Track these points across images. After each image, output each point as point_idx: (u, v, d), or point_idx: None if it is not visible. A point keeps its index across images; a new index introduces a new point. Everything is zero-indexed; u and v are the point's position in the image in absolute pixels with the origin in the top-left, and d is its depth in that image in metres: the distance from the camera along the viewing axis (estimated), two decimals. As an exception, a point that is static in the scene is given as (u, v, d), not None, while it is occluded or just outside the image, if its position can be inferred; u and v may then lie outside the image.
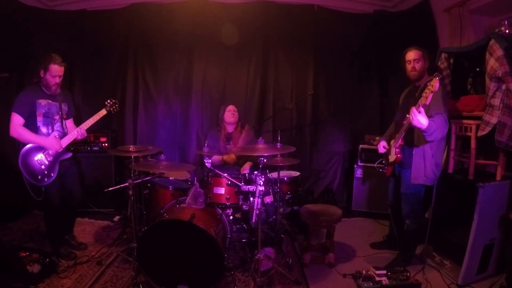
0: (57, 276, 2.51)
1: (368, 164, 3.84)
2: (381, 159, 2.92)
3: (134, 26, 4.16)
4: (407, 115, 2.54)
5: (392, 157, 2.64)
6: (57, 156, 2.71)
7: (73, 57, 4.13)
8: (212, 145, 3.47)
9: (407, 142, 2.59)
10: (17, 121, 2.60)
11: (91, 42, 4.15)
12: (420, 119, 2.21)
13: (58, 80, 2.67)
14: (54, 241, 2.84)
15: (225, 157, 3.41)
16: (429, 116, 2.35)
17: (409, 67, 2.65)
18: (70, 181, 2.88)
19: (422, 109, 2.21)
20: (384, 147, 2.80)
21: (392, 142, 2.68)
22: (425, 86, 2.55)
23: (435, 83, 2.06)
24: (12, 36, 3.71)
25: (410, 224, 2.69)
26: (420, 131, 2.32)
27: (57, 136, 2.71)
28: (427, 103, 2.15)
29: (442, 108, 2.40)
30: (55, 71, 2.63)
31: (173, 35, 4.15)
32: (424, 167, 2.54)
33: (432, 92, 2.09)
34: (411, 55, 2.63)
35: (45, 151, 2.66)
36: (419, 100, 2.19)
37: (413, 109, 2.23)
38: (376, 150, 2.89)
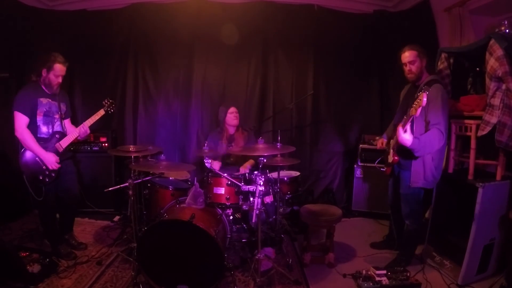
0: (57, 276, 2.51)
1: (368, 164, 3.83)
2: (380, 158, 2.92)
3: (134, 26, 4.16)
4: (405, 117, 2.54)
5: (390, 159, 2.65)
6: (58, 156, 2.71)
7: (73, 57, 4.08)
8: (213, 147, 3.45)
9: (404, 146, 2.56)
10: (22, 121, 2.57)
11: (91, 42, 4.14)
12: (404, 139, 2.27)
13: (60, 79, 2.68)
14: (52, 239, 2.85)
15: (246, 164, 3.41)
16: (426, 121, 2.35)
17: (406, 69, 2.61)
18: (69, 180, 2.87)
19: (408, 128, 2.26)
20: (382, 144, 2.80)
21: (391, 142, 2.68)
22: (420, 90, 2.55)
23: (422, 98, 2.09)
24: (12, 36, 3.71)
25: (410, 225, 2.69)
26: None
27: (58, 143, 2.70)
28: (417, 115, 2.18)
29: (440, 117, 2.38)
30: (59, 71, 2.64)
31: (173, 35, 4.15)
32: (424, 171, 2.52)
33: (420, 106, 2.12)
34: (406, 57, 2.56)
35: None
36: (410, 111, 2.22)
37: (399, 129, 2.29)
38: (376, 150, 2.90)
